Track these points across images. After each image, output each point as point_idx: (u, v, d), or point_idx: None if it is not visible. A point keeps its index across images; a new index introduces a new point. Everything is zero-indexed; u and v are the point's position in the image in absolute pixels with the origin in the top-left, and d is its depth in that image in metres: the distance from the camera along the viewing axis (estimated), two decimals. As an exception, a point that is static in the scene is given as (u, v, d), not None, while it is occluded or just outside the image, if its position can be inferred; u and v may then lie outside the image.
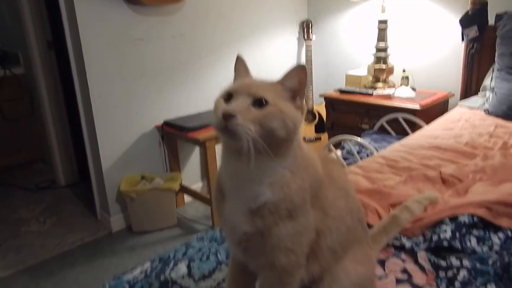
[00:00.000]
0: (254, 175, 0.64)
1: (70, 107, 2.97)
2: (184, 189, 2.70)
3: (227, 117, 0.60)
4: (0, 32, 3.52)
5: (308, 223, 0.68)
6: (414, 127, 2.34)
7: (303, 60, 3.31)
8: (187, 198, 2.83)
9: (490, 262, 0.89)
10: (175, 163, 2.72)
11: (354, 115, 2.69)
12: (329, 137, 2.93)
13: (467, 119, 1.99)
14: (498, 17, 2.16)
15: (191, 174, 2.89)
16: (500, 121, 1.92)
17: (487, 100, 2.14)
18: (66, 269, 2.14)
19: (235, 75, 0.76)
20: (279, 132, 0.62)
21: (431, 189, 1.25)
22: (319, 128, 3.21)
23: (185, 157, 2.84)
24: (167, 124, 2.56)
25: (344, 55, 3.20)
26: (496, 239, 0.96)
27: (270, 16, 3.14)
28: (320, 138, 3.24)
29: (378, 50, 2.70)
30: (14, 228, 2.56)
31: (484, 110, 2.08)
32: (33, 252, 2.30)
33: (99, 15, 2.26)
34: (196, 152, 2.89)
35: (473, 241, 0.96)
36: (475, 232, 0.98)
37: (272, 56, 3.20)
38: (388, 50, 2.71)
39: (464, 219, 0.97)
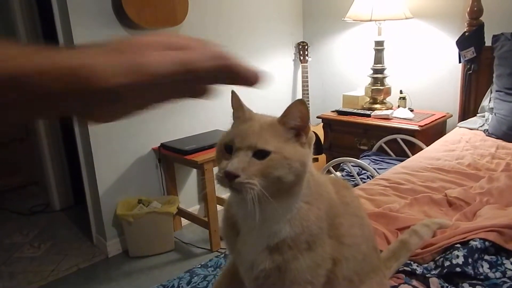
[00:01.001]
0: (271, 216, 0.62)
1: (65, 130, 2.94)
2: (181, 212, 2.66)
3: (230, 177, 0.58)
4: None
5: (325, 253, 0.65)
6: (413, 148, 2.33)
7: (299, 81, 3.32)
8: (184, 221, 2.78)
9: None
10: (172, 186, 2.68)
11: (352, 136, 2.68)
12: (327, 158, 2.92)
13: (467, 140, 1.99)
14: (495, 38, 2.19)
15: (188, 197, 2.85)
16: (500, 142, 1.92)
17: (486, 121, 2.15)
18: None
19: (232, 111, 0.72)
20: (287, 178, 0.60)
21: (438, 212, 1.23)
22: (316, 149, 3.20)
23: (182, 180, 2.81)
24: (164, 146, 2.53)
25: (340, 76, 3.22)
26: (509, 264, 0.93)
27: (266, 39, 3.16)
28: (317, 159, 3.22)
29: (375, 71, 2.72)
30: (7, 253, 2.50)
31: (484, 131, 2.08)
32: (27, 278, 2.24)
33: (96, 37, 2.26)
34: (193, 174, 2.86)
35: (486, 266, 0.93)
36: (487, 257, 0.96)
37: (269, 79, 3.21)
38: (385, 72, 2.73)
39: (476, 244, 0.95)
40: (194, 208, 2.89)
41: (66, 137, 3.00)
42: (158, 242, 2.45)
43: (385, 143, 2.48)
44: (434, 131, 2.48)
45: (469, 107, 2.44)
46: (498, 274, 0.91)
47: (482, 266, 0.93)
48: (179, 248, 2.52)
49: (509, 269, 0.92)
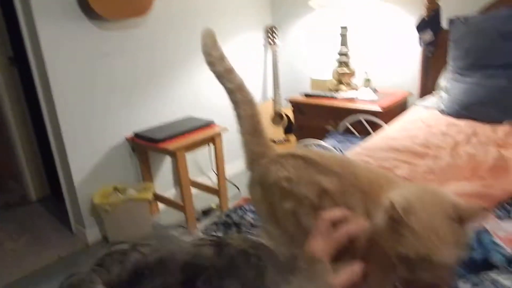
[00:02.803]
0: None
1: (36, 122, 2.95)
2: (157, 198, 2.75)
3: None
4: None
5: None
6: (376, 126, 2.46)
7: (270, 65, 3.39)
8: (161, 205, 2.87)
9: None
10: (147, 173, 2.76)
11: (320, 118, 2.79)
12: (297, 139, 3.03)
13: (423, 119, 2.11)
14: (451, 22, 2.29)
15: (164, 182, 2.93)
16: (453, 120, 2.05)
17: (441, 100, 2.27)
18: (44, 285, 2.15)
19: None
20: None
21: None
22: (288, 130, 3.31)
23: (157, 166, 2.88)
24: (137, 136, 2.59)
25: (309, 60, 3.31)
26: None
27: (235, 24, 3.20)
28: (288, 140, 3.34)
29: (340, 54, 2.81)
30: (-14, 247, 2.55)
31: (439, 110, 2.21)
32: (9, 270, 2.30)
33: (62, 32, 2.27)
34: (168, 160, 2.93)
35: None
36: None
37: (239, 63, 3.26)
38: (350, 54, 2.82)
39: None
40: (170, 192, 2.97)
41: (37, 129, 3.00)
42: (136, 227, 2.53)
43: (350, 123, 2.60)
44: (396, 109, 2.60)
45: (427, 86, 2.57)
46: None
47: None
48: (157, 232, 2.61)
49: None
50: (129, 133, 2.63)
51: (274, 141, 3.32)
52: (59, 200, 2.68)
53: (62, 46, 2.28)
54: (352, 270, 0.59)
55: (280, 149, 0.96)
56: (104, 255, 0.37)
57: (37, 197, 3.13)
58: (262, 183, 0.90)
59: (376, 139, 1.92)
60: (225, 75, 0.96)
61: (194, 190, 2.93)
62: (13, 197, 3.15)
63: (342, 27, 2.77)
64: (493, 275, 0.83)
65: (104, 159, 2.57)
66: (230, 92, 0.97)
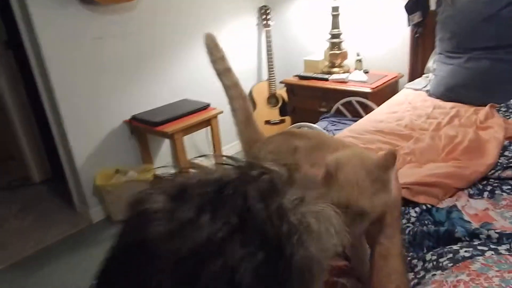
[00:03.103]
0: None
1: (35, 105, 3.00)
2: (157, 178, 2.85)
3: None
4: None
5: None
6: (367, 109, 2.54)
7: (264, 46, 3.44)
8: (161, 186, 2.97)
9: (407, 231, 1.10)
10: (146, 155, 2.85)
11: (313, 100, 2.87)
12: (292, 120, 3.12)
13: (410, 101, 2.20)
14: (438, 3, 2.34)
15: (163, 164, 3.02)
16: (438, 102, 2.13)
17: (429, 82, 2.35)
18: (52, 262, 2.28)
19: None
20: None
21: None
22: (283, 111, 3.39)
23: (157, 148, 2.97)
24: (135, 119, 2.67)
25: (302, 40, 3.35)
26: (413, 212, 1.17)
27: (229, 5, 3.23)
28: (284, 121, 3.43)
29: (332, 36, 2.87)
30: (-4, 226, 2.66)
31: (426, 92, 2.29)
32: (17, 248, 2.42)
33: (55, 16, 2.30)
34: (166, 142, 3.02)
35: (396, 216, 1.16)
36: (398, 208, 1.18)
37: (233, 44, 3.31)
38: (342, 36, 2.88)
39: None
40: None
41: (36, 111, 3.05)
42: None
43: (342, 105, 2.69)
44: (387, 91, 2.67)
45: (417, 68, 2.64)
46: (404, 221, 1.15)
47: (393, 216, 1.16)
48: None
49: (413, 216, 1.16)
50: (127, 116, 2.71)
51: (269, 122, 3.41)
52: (62, 181, 2.77)
53: (57, 31, 2.33)
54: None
55: (271, 133, 1.12)
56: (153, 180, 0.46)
57: (39, 179, 3.23)
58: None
59: (363, 122, 2.01)
60: (224, 73, 1.16)
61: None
62: (16, 178, 3.24)
63: (333, 7, 2.81)
64: (456, 247, 0.93)
65: (105, 141, 2.65)
66: (227, 88, 1.16)
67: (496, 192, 1.28)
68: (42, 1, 2.25)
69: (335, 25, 2.85)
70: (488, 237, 0.96)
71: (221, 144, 2.86)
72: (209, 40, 1.12)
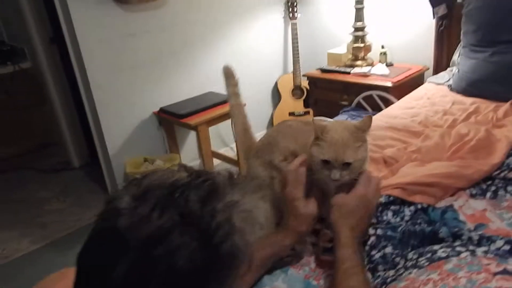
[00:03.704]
0: None
1: (77, 95, 3.21)
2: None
3: (336, 181, 0.99)
4: (6, 28, 3.74)
5: None
6: (388, 102, 2.54)
7: (289, 39, 3.46)
8: (187, 174, 3.10)
9: (400, 229, 1.14)
10: (173, 145, 2.98)
11: (334, 93, 2.89)
12: (314, 113, 3.16)
13: (429, 96, 2.18)
14: (464, -4, 2.29)
15: (190, 153, 3.15)
16: (459, 97, 2.10)
17: (452, 76, 2.31)
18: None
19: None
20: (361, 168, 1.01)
21: (373, 169, 1.47)
22: (307, 103, 3.42)
23: (183, 138, 3.10)
24: (162, 110, 2.80)
25: (328, 33, 3.36)
26: (408, 211, 1.20)
27: (255, -2, 3.28)
28: (308, 112, 3.45)
29: (356, 29, 2.86)
30: (38, 207, 2.90)
31: (448, 86, 2.26)
32: (57, 228, 2.64)
33: (92, 15, 2.48)
34: (192, 133, 3.13)
35: (390, 214, 1.20)
36: (392, 207, 1.22)
37: (260, 37, 3.37)
38: (366, 29, 2.86)
39: (381, 199, 1.21)
40: (195, 163, 3.20)
41: (78, 102, 3.25)
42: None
43: (363, 98, 2.69)
44: (410, 84, 2.63)
45: (442, 62, 2.60)
46: (398, 219, 1.18)
47: (387, 214, 1.20)
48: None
49: (407, 215, 1.19)
50: (156, 108, 2.85)
51: (293, 114, 3.45)
52: (98, 167, 2.96)
53: (93, 28, 2.50)
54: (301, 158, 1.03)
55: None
56: (127, 183, 0.58)
57: (79, 163, 3.49)
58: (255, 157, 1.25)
59: (377, 117, 2.01)
60: (232, 96, 1.39)
61: (217, 161, 3.15)
62: (58, 162, 3.50)
63: (356, 1, 2.80)
64: (436, 247, 0.97)
65: (135, 131, 2.81)
66: (232, 107, 1.40)
67: (500, 192, 1.28)
68: (81, 1, 2.43)
69: (358, 18, 2.84)
70: (470, 238, 0.99)
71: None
72: (226, 70, 1.39)
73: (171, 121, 2.82)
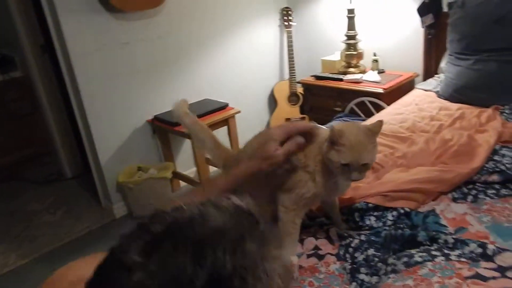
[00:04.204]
0: None
1: (69, 105, 3.21)
2: (177, 175, 3.00)
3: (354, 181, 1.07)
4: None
5: None
6: (380, 108, 2.56)
7: (285, 46, 3.50)
8: (182, 182, 3.12)
9: (383, 234, 1.16)
10: (168, 153, 3.00)
11: (328, 99, 2.92)
12: (309, 119, 3.18)
13: (417, 102, 2.20)
14: (450, 5, 2.33)
15: (185, 161, 3.16)
16: (446, 103, 2.13)
17: (440, 83, 2.34)
18: (77, 255, 2.38)
19: None
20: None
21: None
22: (303, 109, 3.45)
23: (178, 146, 3.11)
24: (157, 118, 2.82)
25: (321, 41, 3.39)
26: (390, 216, 1.22)
27: (251, 7, 3.31)
28: (304, 118, 3.48)
29: (348, 37, 2.90)
30: (28, 219, 2.88)
31: (436, 93, 2.29)
32: (46, 241, 2.61)
33: (83, 24, 2.46)
34: (188, 141, 3.15)
35: (372, 219, 1.22)
36: (376, 213, 1.24)
37: (256, 45, 3.40)
38: (358, 37, 2.90)
39: (357, 205, 1.24)
40: (191, 170, 3.21)
41: (70, 112, 3.24)
42: (158, 203, 2.80)
43: (355, 105, 2.72)
44: (402, 90, 2.65)
45: (430, 69, 2.62)
46: (380, 224, 1.20)
47: (370, 219, 1.22)
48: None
49: (389, 220, 1.21)
50: (150, 116, 2.86)
51: (290, 120, 3.48)
52: (91, 177, 2.95)
53: (84, 37, 2.49)
54: (295, 141, 1.02)
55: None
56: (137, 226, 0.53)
57: (72, 174, 3.46)
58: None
59: (368, 123, 2.03)
60: (191, 124, 1.37)
61: (212, 168, 3.16)
62: (50, 173, 3.48)
63: (348, 10, 2.84)
64: (413, 251, 0.98)
65: (128, 140, 2.82)
66: (192, 130, 1.38)
67: (480, 196, 1.31)
68: (71, 9, 2.42)
69: (351, 26, 2.88)
70: (445, 242, 1.01)
71: (238, 143, 2.96)
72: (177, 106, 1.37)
73: (165, 129, 2.84)
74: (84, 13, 2.47)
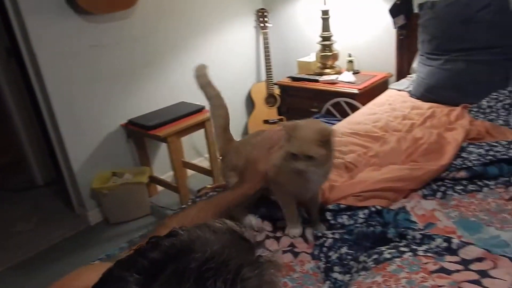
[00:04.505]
0: None
1: (38, 110, 3.11)
2: (154, 180, 2.96)
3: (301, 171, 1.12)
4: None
5: None
6: (355, 108, 2.59)
7: (261, 48, 3.50)
8: (159, 187, 3.08)
9: (355, 231, 1.17)
10: (144, 157, 2.96)
11: (305, 100, 2.93)
12: (287, 120, 3.19)
13: (391, 102, 2.23)
14: (421, 6, 2.37)
15: (162, 165, 3.11)
16: (417, 103, 2.17)
17: (412, 82, 2.38)
18: (53, 263, 2.39)
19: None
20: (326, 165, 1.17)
21: (336, 175, 1.50)
22: (281, 111, 3.45)
23: (155, 150, 3.08)
24: (131, 123, 2.78)
25: (297, 42, 3.41)
26: (361, 214, 1.23)
27: (227, 9, 3.30)
28: (282, 120, 3.49)
29: (323, 38, 2.92)
30: (1, 228, 2.80)
31: (408, 92, 2.33)
32: (21, 250, 2.54)
33: (50, 26, 2.39)
34: (165, 144, 3.11)
35: (345, 217, 1.23)
36: (348, 212, 1.25)
37: (232, 46, 3.39)
38: (333, 38, 2.92)
39: (331, 207, 1.25)
40: (169, 174, 3.17)
41: (39, 116, 3.10)
42: (134, 209, 2.76)
43: (331, 105, 2.74)
44: (376, 91, 2.68)
45: (403, 69, 2.67)
46: (351, 222, 1.21)
47: (342, 218, 1.23)
48: (155, 212, 2.83)
49: (360, 217, 1.22)
50: (124, 120, 2.81)
51: (268, 122, 3.48)
52: (64, 184, 2.88)
53: (52, 39, 2.42)
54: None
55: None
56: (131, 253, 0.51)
57: (44, 181, 3.37)
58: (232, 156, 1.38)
59: (342, 123, 2.06)
60: (207, 86, 1.46)
61: (191, 172, 3.14)
62: (22, 181, 3.38)
63: (322, 11, 2.86)
64: (383, 248, 0.99)
65: (102, 145, 2.76)
66: (211, 98, 1.47)
67: (448, 192, 1.34)
68: (37, 11, 2.34)
69: (325, 28, 2.90)
70: (413, 238, 1.02)
71: (215, 145, 2.94)
72: (199, 69, 1.46)
73: (141, 133, 2.80)
74: (52, 15, 2.40)
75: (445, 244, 0.96)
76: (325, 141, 1.11)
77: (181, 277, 0.46)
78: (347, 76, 2.78)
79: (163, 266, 0.47)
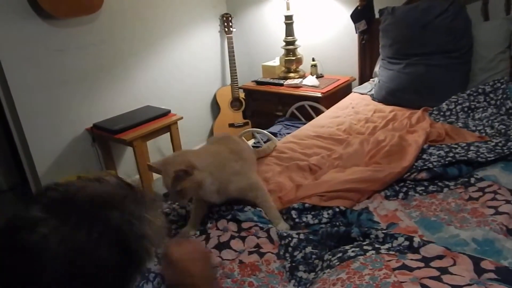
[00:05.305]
0: None
1: (1, 114, 3.03)
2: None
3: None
4: None
5: None
6: (319, 111, 2.65)
7: (226, 52, 3.52)
8: (125, 191, 3.03)
9: (320, 231, 1.21)
10: (110, 161, 2.91)
11: (270, 104, 2.97)
12: (252, 124, 3.22)
13: (354, 105, 2.31)
14: (381, 12, 2.46)
15: (127, 169, 3.08)
16: (380, 106, 2.25)
17: (374, 86, 2.47)
18: None
19: None
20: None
21: (300, 177, 1.55)
22: (246, 114, 3.48)
23: (120, 154, 3.03)
24: (96, 127, 2.73)
25: (261, 47, 3.45)
26: (325, 214, 1.28)
27: (190, 14, 3.30)
28: (248, 123, 3.52)
29: (287, 43, 2.97)
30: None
31: (371, 96, 2.41)
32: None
33: (14, 30, 2.35)
34: (130, 148, 3.07)
35: (309, 217, 1.27)
36: (313, 212, 1.29)
37: (196, 51, 3.40)
38: (297, 43, 2.98)
39: (296, 206, 1.29)
40: (134, 178, 3.13)
41: (2, 120, 3.07)
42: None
43: (296, 109, 2.79)
44: (339, 94, 2.77)
45: (365, 73, 2.76)
46: (316, 221, 1.26)
47: (306, 217, 1.27)
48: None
49: (325, 217, 1.27)
50: (89, 124, 2.77)
51: (233, 125, 3.50)
52: (29, 188, 2.79)
53: (16, 44, 2.37)
54: None
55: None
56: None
57: (8, 186, 3.27)
58: None
59: (307, 127, 2.11)
60: None
61: (156, 175, 3.11)
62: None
63: (286, 16, 2.92)
64: (347, 247, 1.04)
65: (67, 149, 2.71)
66: None
67: (410, 193, 1.40)
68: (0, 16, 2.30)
69: (289, 32, 2.96)
70: (376, 237, 1.07)
71: (181, 149, 2.93)
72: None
73: (106, 137, 2.75)
74: (16, 19, 2.36)
75: (407, 243, 1.01)
76: (180, 175, 1.20)
77: (78, 206, 0.57)
78: (311, 80, 2.85)
79: (62, 201, 0.58)
